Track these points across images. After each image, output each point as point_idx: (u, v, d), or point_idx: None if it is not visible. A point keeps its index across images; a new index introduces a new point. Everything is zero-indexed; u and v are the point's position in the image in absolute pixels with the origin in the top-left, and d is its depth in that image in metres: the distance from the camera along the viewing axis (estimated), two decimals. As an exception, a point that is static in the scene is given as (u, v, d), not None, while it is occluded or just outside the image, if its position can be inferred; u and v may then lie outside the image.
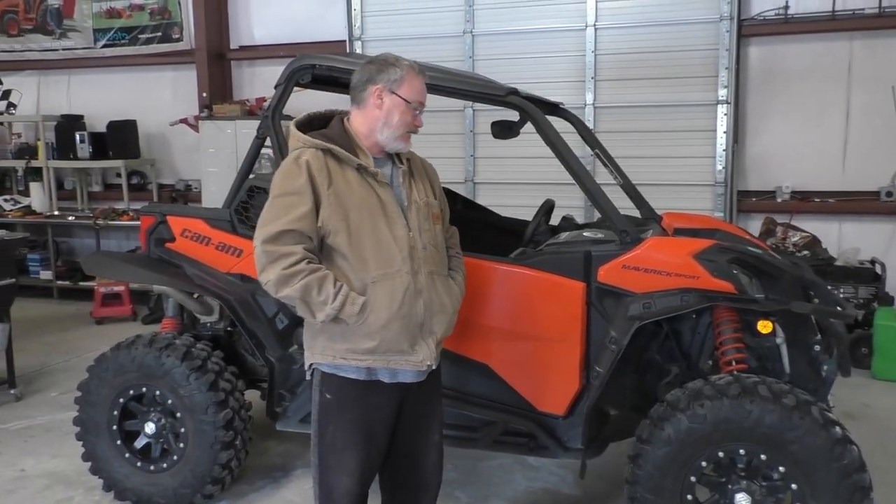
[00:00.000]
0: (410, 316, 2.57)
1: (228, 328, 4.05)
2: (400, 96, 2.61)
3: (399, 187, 2.69)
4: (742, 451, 2.90)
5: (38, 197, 8.91)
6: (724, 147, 6.59)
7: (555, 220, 4.26)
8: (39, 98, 9.74)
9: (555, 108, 4.16)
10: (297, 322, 3.67)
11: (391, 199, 2.62)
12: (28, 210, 8.90)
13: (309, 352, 2.69)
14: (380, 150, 2.69)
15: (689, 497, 2.99)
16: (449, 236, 2.94)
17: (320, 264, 2.54)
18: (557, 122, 3.77)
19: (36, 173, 9.04)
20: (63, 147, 8.79)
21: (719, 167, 6.61)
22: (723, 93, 6.53)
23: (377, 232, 2.56)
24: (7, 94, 9.82)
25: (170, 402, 3.71)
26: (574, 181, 3.37)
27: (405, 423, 2.76)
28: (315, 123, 2.75)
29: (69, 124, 8.82)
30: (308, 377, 2.76)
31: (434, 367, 2.69)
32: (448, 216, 2.97)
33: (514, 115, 3.54)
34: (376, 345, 2.55)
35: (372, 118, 2.63)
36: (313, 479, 2.74)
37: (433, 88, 3.44)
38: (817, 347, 3.30)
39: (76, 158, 8.73)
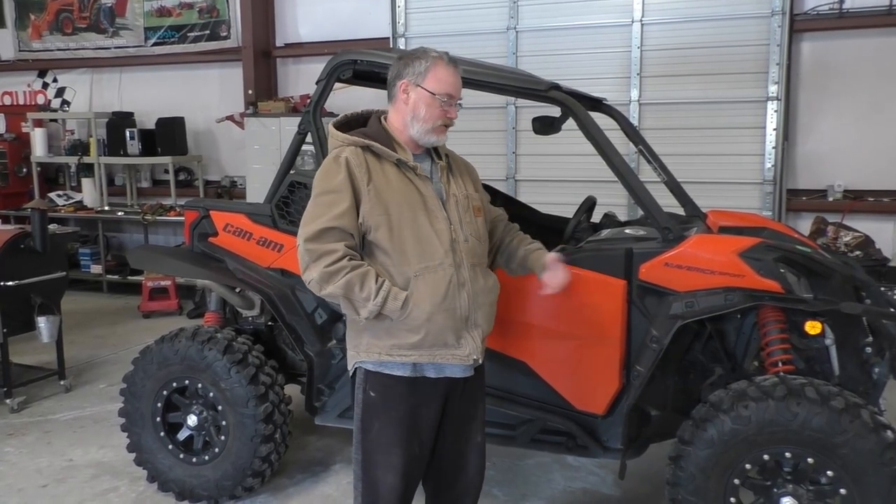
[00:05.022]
0: (454, 308, 2.55)
1: (269, 322, 4.08)
2: (425, 89, 2.58)
3: (438, 182, 2.69)
4: (788, 454, 2.82)
5: (89, 192, 9.15)
6: (773, 144, 6.46)
7: (596, 217, 4.21)
8: (92, 95, 9.98)
9: (598, 104, 4.10)
10: (336, 317, 3.69)
11: (431, 192, 2.61)
12: (80, 205, 9.14)
13: (353, 350, 2.67)
14: (417, 146, 2.68)
15: (733, 500, 2.92)
16: (498, 217, 3.00)
17: (362, 261, 2.53)
18: (601, 119, 3.72)
19: (88, 169, 9.25)
20: (114, 144, 8.98)
21: (768, 165, 6.47)
22: (773, 89, 6.39)
23: (418, 226, 2.55)
24: (61, 91, 10.11)
25: (211, 394, 3.74)
26: (616, 178, 3.32)
27: (450, 423, 2.75)
28: (353, 124, 2.76)
29: (120, 121, 9.01)
30: (351, 376, 2.74)
31: (480, 362, 2.68)
32: (493, 211, 3.01)
33: (556, 111, 3.49)
34: (421, 338, 2.53)
35: (402, 113, 2.63)
36: (355, 475, 2.72)
37: (473, 84, 3.41)
38: (868, 349, 3.19)
39: (126, 155, 8.91)
